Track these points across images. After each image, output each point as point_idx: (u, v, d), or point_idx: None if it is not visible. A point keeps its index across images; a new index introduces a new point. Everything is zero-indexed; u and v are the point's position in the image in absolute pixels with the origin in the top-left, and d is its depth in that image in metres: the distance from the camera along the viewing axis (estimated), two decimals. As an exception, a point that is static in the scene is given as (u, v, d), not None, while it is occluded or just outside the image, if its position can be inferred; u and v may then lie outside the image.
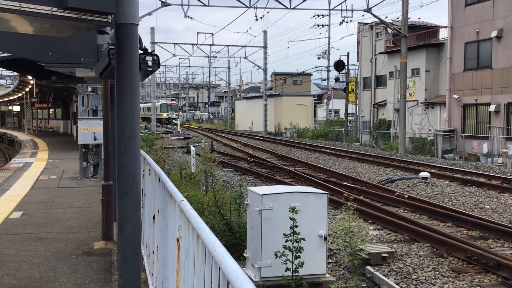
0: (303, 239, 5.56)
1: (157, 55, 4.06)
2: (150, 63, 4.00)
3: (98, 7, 3.30)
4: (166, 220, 4.06)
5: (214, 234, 2.41)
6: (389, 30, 35.50)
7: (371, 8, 27.89)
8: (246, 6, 28.27)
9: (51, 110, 50.37)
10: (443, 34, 33.70)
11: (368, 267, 6.93)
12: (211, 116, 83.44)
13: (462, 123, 28.12)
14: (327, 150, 25.29)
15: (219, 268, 2.05)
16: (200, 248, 2.55)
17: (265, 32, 46.33)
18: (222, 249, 2.11)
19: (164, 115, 67.42)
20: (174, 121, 59.62)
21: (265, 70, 46.59)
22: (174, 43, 45.49)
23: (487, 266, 6.99)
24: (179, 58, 66.09)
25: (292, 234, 5.56)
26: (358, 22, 42.61)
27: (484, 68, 26.57)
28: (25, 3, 3.04)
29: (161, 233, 4.40)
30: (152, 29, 44.81)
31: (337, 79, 45.94)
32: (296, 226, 5.55)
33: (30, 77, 26.03)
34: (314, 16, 41.96)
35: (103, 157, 8.86)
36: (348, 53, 42.02)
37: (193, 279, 2.74)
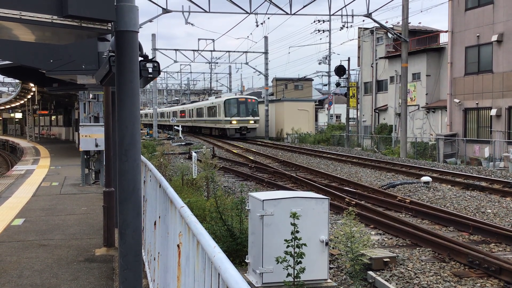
0: (304, 245, 5.57)
1: (157, 62, 4.08)
2: (150, 70, 4.02)
3: (98, 15, 3.32)
4: (167, 226, 4.07)
5: (216, 240, 2.42)
6: (390, 35, 35.55)
7: (371, 13, 27.94)
8: (247, 12, 28.35)
9: (53, 117, 50.52)
10: (444, 38, 33.74)
11: (370, 272, 6.92)
12: None
13: (464, 127, 28.10)
14: (328, 155, 25.28)
15: (219, 274, 2.06)
16: (200, 254, 2.56)
17: (266, 37, 46.45)
18: (222, 255, 2.12)
19: (234, 122, 39.65)
20: (176, 127, 50.29)
21: (266, 76, 46.66)
22: (175, 50, 45.62)
23: (489, 270, 6.98)
24: (181, 64, 66.26)
25: (293, 240, 5.56)
26: (359, 27, 42.68)
27: (485, 72, 26.58)
28: (25, 11, 3.06)
29: (162, 239, 4.41)
30: (154, 35, 44.96)
31: (338, 84, 46.00)
32: (297, 232, 5.55)
33: (31, 85, 26.12)
34: (314, 22, 42.08)
35: (104, 163, 8.87)
36: (348, 58, 42.08)
37: (194, 285, 2.75)
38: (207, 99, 51.61)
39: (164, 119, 69.36)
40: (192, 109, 53.40)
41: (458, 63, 28.39)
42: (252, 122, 40.33)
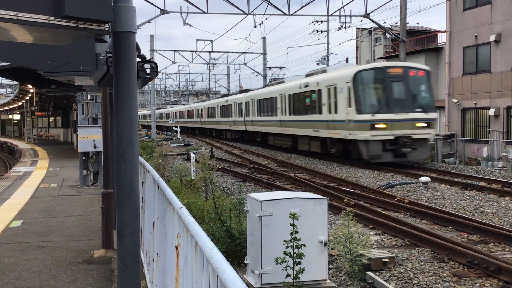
0: (304, 245, 5.56)
1: (155, 63, 4.08)
2: (148, 71, 4.01)
3: (95, 16, 3.31)
4: (165, 227, 4.06)
5: (215, 241, 2.42)
6: (388, 35, 35.59)
7: (369, 13, 27.96)
8: (245, 13, 28.35)
9: (51, 119, 50.50)
10: (442, 38, 33.84)
11: (369, 273, 6.92)
12: None
13: (462, 127, 28.13)
14: (326, 156, 25.23)
15: (217, 275, 2.05)
16: (198, 255, 2.56)
17: (264, 38, 46.46)
18: (220, 256, 2.11)
19: (379, 126, 18.30)
20: (174, 128, 48.53)
21: (264, 76, 46.66)
22: (174, 50, 45.56)
23: (488, 270, 6.97)
24: (179, 65, 65.96)
25: (292, 240, 5.55)
26: (357, 28, 42.73)
27: (483, 72, 26.60)
28: (22, 12, 3.05)
29: (160, 240, 4.40)
30: (152, 36, 44.91)
31: (336, 85, 45.90)
32: (296, 232, 5.54)
33: (30, 86, 26.11)
34: (312, 22, 42.07)
35: (102, 165, 8.86)
36: (347, 58, 42.16)
37: (192, 286, 2.74)
38: (281, 81, 29.53)
39: (191, 120, 54.42)
40: (244, 103, 33.17)
41: (456, 63, 28.42)
42: (423, 125, 18.75)
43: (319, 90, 21.94)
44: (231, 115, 37.14)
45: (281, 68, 41.06)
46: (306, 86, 23.44)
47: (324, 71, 23.51)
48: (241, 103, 34.32)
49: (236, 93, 39.30)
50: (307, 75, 24.98)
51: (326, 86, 21.15)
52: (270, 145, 29.96)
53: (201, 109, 48.73)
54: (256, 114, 31.10)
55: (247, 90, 37.25)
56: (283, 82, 28.66)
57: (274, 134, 28.73)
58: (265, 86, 34.21)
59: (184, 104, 65.56)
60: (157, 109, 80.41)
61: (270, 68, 39.78)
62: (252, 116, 31.85)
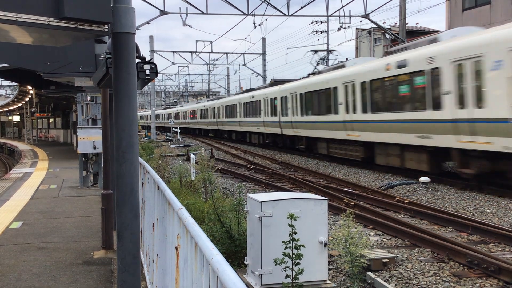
0: (302, 246, 5.55)
1: (154, 64, 4.08)
2: (147, 72, 4.01)
3: (94, 17, 3.32)
4: (165, 228, 4.06)
5: (214, 242, 2.42)
6: (387, 36, 35.59)
7: (369, 14, 27.98)
8: (244, 14, 28.37)
9: (51, 120, 50.53)
10: (441, 39, 33.79)
11: (369, 273, 6.91)
12: None
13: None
14: (326, 156, 25.21)
15: (217, 276, 2.05)
16: (198, 256, 2.56)
17: (263, 39, 46.51)
18: (220, 257, 2.11)
19: None
20: (174, 128, 48.84)
21: (264, 77, 46.68)
22: (173, 51, 45.58)
23: (488, 270, 6.97)
24: (178, 66, 65.96)
25: (291, 241, 5.55)
26: (356, 28, 42.68)
27: (482, 72, 26.58)
28: (21, 13, 3.06)
29: (160, 241, 4.40)
30: (151, 37, 44.91)
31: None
32: (295, 233, 5.53)
33: (29, 87, 26.12)
34: (312, 23, 42.05)
35: (102, 165, 8.86)
36: (346, 58, 42.08)
37: (192, 287, 2.74)
38: (341, 65, 21.94)
39: (205, 121, 46.78)
40: (280, 98, 26.93)
41: (456, 63, 28.40)
42: None
43: (433, 71, 13.95)
44: (259, 114, 30.10)
45: (329, 51, 30.02)
46: (401, 66, 15.43)
47: (434, 40, 15.01)
48: (274, 98, 27.34)
49: (266, 87, 31.90)
50: (387, 52, 17.28)
51: (452, 62, 13.13)
52: (322, 155, 22.58)
53: (218, 108, 41.31)
54: (298, 112, 23.69)
55: (282, 81, 29.30)
56: (343, 66, 21.07)
57: (330, 140, 21.27)
58: (310, 74, 26.09)
59: (197, 103, 57.74)
60: (165, 108, 79.90)
61: (315, 51, 29.76)
62: (293, 115, 24.41)
